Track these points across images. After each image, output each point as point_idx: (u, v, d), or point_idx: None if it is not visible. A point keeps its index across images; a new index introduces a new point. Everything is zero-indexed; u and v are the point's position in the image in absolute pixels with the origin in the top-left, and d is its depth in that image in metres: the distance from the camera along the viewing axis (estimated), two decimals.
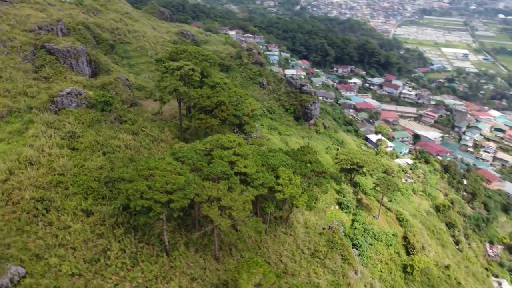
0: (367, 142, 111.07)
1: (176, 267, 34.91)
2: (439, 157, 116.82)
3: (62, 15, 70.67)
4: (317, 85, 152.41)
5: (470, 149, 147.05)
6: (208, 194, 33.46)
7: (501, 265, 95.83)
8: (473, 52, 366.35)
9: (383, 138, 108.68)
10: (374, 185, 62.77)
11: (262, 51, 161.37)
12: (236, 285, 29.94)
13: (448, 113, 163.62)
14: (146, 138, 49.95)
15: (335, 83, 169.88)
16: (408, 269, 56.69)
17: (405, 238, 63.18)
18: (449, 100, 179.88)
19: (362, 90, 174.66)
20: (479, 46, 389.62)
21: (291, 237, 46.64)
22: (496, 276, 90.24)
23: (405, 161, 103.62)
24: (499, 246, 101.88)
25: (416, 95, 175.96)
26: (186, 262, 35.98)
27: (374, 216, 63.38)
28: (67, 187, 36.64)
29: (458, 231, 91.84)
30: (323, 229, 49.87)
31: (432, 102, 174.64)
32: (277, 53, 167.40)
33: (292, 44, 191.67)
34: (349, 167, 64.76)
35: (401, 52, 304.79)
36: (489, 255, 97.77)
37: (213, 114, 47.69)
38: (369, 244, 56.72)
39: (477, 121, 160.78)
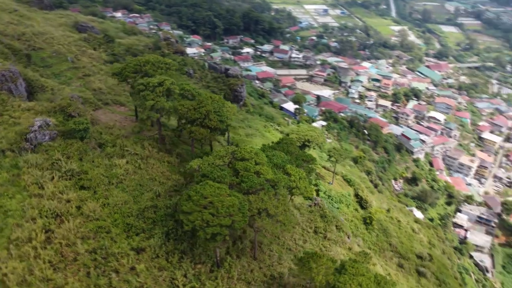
0: (285, 113, 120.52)
1: (233, 277, 38.42)
2: (342, 114, 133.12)
3: None
4: (217, 60, 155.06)
5: (357, 101, 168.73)
6: (257, 207, 37.10)
7: (406, 195, 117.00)
8: (330, 6, 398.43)
9: (300, 106, 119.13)
10: (328, 156, 71.71)
11: (154, 31, 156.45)
12: (312, 279, 34.94)
13: (333, 70, 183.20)
14: (136, 158, 49.50)
15: (232, 56, 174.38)
16: (368, 221, 67.94)
17: (356, 195, 74.37)
18: (331, 58, 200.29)
19: (256, 58, 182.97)
20: (334, 0, 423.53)
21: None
22: (406, 205, 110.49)
23: (320, 123, 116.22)
24: (401, 180, 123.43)
25: (303, 57, 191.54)
26: (236, 270, 39.57)
27: (329, 183, 72.81)
28: (109, 230, 36.36)
29: (374, 176, 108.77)
30: (310, 206, 56.92)
31: (318, 62, 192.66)
32: (171, 32, 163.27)
33: (179, 19, 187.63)
34: (301, 144, 72.25)
35: (272, 14, 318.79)
36: (396, 190, 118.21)
37: (202, 124, 49.43)
38: (337, 208, 66.05)
39: (357, 74, 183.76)
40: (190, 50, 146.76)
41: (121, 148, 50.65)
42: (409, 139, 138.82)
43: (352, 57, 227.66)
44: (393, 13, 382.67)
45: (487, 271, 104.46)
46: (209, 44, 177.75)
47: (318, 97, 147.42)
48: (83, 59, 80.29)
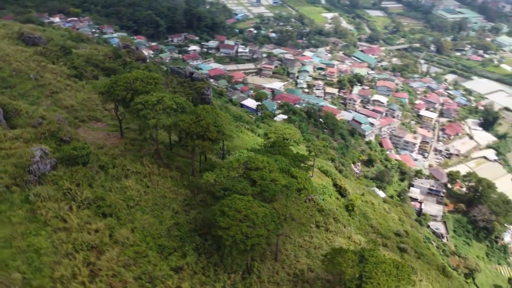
0: (247, 110, 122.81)
1: (264, 281, 40.96)
2: (297, 106, 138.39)
3: None
4: (167, 61, 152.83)
5: (306, 90, 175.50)
6: (283, 214, 39.72)
7: (366, 177, 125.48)
8: None
9: (262, 102, 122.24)
10: (308, 151, 75.57)
11: (97, 35, 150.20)
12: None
13: (280, 62, 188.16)
14: (139, 177, 49.54)
15: (180, 55, 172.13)
16: (350, 208, 73.28)
17: (335, 185, 79.45)
18: (276, 50, 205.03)
19: (203, 55, 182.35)
20: None
21: None
22: (366, 186, 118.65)
23: (281, 117, 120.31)
24: (359, 164, 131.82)
25: (250, 51, 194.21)
26: (265, 274, 42.12)
27: (310, 176, 77.03)
28: (146, 254, 36.96)
29: (337, 162, 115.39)
30: (305, 202, 60.58)
31: (264, 55, 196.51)
32: (116, 35, 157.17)
33: (119, 20, 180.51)
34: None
35: (207, 7, 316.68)
36: (356, 173, 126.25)
37: (204, 137, 50.60)
38: (322, 199, 70.51)
39: (303, 65, 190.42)
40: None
41: (122, 168, 50.36)
42: (360, 123, 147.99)
43: (293, 47, 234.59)
44: (322, 0, 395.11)
45: (443, 237, 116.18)
46: (154, 44, 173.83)
47: (273, 91, 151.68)
48: (46, 75, 76.35)
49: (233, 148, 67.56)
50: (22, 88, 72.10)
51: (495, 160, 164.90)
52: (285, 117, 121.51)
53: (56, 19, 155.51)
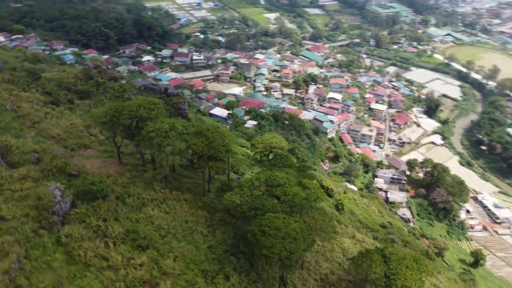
0: (217, 119, 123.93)
1: None
2: (262, 110, 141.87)
3: None
4: (124, 74, 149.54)
5: (265, 93, 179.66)
6: (314, 226, 42.77)
7: (335, 173, 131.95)
8: None
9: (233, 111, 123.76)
10: (296, 158, 79.26)
11: (47, 52, 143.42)
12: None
13: (236, 67, 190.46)
14: (156, 203, 50.08)
15: (136, 67, 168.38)
16: (340, 207, 78.07)
17: (321, 186, 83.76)
18: (230, 55, 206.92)
19: (158, 65, 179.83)
20: None
21: None
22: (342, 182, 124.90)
23: (251, 123, 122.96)
24: (327, 161, 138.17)
25: (204, 57, 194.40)
26: (298, 283, 45.07)
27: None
28: (195, 282, 38.26)
29: (309, 162, 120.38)
30: None
31: (219, 61, 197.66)
32: (68, 51, 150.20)
33: (66, 34, 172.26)
34: (268, 152, 78.58)
35: (149, 13, 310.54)
36: (326, 170, 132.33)
37: (216, 158, 52.18)
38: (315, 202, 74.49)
39: (258, 68, 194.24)
40: None
41: (138, 197, 50.66)
42: (321, 122, 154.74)
43: (242, 50, 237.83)
44: (262, 1, 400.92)
45: (409, 221, 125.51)
46: (107, 56, 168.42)
47: (236, 97, 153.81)
48: (22, 104, 73.13)
49: (235, 164, 69.23)
50: (1, 121, 68.77)
51: (441, 145, 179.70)
52: (255, 123, 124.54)
53: (1, 38, 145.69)
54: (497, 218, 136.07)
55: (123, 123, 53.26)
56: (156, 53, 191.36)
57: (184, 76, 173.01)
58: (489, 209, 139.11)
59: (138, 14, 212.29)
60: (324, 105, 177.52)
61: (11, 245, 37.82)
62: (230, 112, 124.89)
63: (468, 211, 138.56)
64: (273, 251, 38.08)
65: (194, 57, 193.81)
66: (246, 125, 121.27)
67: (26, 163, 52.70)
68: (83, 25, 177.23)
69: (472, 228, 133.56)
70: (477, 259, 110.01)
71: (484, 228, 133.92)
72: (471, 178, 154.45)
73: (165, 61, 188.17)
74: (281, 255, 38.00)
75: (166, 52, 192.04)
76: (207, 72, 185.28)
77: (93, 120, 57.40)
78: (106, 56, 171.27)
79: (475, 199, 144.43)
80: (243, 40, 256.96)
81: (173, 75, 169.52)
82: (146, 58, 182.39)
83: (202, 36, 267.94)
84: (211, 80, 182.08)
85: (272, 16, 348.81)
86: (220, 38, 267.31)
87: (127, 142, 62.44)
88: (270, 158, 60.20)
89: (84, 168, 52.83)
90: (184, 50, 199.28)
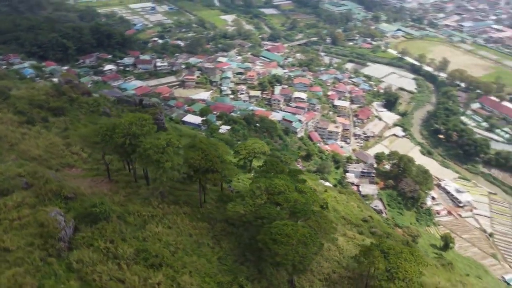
0: (191, 127, 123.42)
1: None
2: (233, 114, 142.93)
3: None
4: (89, 86, 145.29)
5: (231, 96, 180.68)
6: (319, 229, 44.88)
7: (309, 171, 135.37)
8: (156, 3, 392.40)
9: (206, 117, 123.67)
10: (281, 161, 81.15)
11: (4, 67, 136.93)
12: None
13: (200, 71, 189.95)
14: (158, 220, 50.27)
15: (100, 77, 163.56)
16: (325, 206, 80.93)
17: None
18: (193, 60, 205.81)
19: (121, 74, 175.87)
20: None
21: None
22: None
23: (225, 128, 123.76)
24: (300, 160, 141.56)
25: (168, 63, 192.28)
26: (306, 284, 47.10)
27: None
28: None
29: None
30: None
31: (183, 66, 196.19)
32: (27, 64, 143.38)
33: (20, 46, 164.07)
34: (252, 157, 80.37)
35: (103, 20, 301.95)
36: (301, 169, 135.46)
37: (213, 170, 53.07)
38: None
39: (223, 71, 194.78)
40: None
41: (138, 215, 50.72)
42: (290, 122, 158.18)
43: (204, 54, 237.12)
44: (217, 3, 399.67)
45: (382, 212, 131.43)
46: (67, 68, 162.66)
47: (206, 102, 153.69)
48: None
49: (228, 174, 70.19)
50: None
51: (403, 136, 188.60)
52: (228, 127, 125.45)
53: None
54: (460, 202, 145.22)
55: (116, 142, 53.02)
56: (118, 61, 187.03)
57: (149, 84, 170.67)
58: (452, 195, 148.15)
59: (96, 23, 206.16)
60: (291, 105, 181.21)
61: (22, 277, 37.42)
62: (204, 118, 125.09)
63: (433, 198, 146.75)
64: (287, 257, 39.79)
65: (158, 64, 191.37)
66: (220, 130, 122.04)
67: (16, 189, 51.26)
68: (38, 36, 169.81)
69: (438, 213, 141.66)
70: (446, 243, 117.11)
71: (449, 213, 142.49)
72: (432, 166, 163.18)
73: (128, 69, 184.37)
74: (295, 260, 39.79)
75: (128, 60, 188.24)
76: (172, 78, 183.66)
77: (82, 140, 56.46)
78: (66, 67, 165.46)
79: (439, 186, 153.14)
80: (204, 43, 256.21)
81: (138, 83, 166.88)
82: (108, 67, 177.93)
83: (160, 41, 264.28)
84: (177, 86, 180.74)
85: (228, 18, 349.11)
86: (179, 42, 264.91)
87: (112, 158, 61.89)
88: (261, 165, 61.70)
89: (79, 190, 52.16)
90: (147, 57, 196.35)
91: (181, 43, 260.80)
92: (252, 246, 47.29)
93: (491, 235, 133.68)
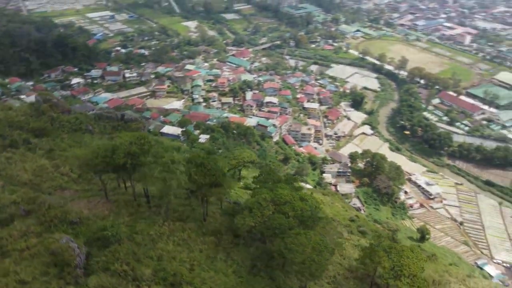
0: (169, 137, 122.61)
1: None
2: (209, 122, 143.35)
3: None
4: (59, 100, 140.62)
5: (204, 104, 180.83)
6: (329, 236, 47.06)
7: (287, 175, 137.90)
8: (115, 11, 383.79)
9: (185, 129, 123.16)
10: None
11: None
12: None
13: (170, 80, 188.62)
14: (166, 237, 50.63)
15: (68, 91, 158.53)
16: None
17: None
18: (161, 69, 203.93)
19: (90, 87, 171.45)
20: (114, 4, 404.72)
21: None
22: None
23: (204, 137, 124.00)
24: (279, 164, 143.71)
25: (137, 74, 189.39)
26: None
27: None
28: None
29: None
30: None
31: (153, 76, 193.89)
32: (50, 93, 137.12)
33: None
34: (242, 166, 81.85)
35: (62, 30, 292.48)
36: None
37: (216, 184, 54.04)
38: None
39: (193, 80, 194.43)
40: (28, 99, 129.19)
41: (146, 234, 50.91)
42: (265, 127, 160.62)
43: (170, 62, 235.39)
44: (177, 9, 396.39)
45: (360, 209, 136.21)
46: (32, 83, 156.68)
47: (180, 112, 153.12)
48: None
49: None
50: None
51: (372, 134, 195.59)
52: (207, 136, 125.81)
53: None
54: (430, 194, 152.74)
55: (118, 163, 52.93)
56: (85, 74, 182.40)
57: (119, 96, 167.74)
58: (423, 188, 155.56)
59: (59, 35, 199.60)
60: (263, 109, 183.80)
61: None
62: (184, 129, 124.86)
63: (406, 192, 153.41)
64: (304, 265, 41.67)
65: (127, 75, 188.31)
66: (200, 140, 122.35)
67: (16, 217, 50.39)
68: None
69: (411, 207, 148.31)
70: (423, 235, 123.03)
71: (421, 205, 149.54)
72: (402, 162, 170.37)
73: (96, 81, 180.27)
74: (311, 268, 41.73)
75: (95, 72, 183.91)
76: (142, 89, 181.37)
77: (81, 163, 55.75)
78: (31, 83, 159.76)
79: (410, 180, 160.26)
80: (169, 51, 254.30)
81: (109, 95, 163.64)
82: (75, 80, 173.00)
83: (123, 50, 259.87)
84: (148, 97, 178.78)
85: (190, 24, 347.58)
86: (143, 51, 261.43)
87: (106, 177, 61.31)
88: (258, 175, 63.18)
89: (83, 214, 51.74)
90: (114, 68, 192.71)
91: (145, 52, 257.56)
92: (262, 256, 48.93)
93: (461, 223, 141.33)
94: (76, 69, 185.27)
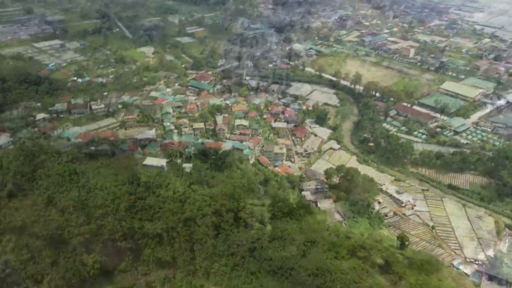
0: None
1: None
2: (188, 150, 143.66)
3: None
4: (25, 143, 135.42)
5: (176, 131, 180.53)
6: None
7: None
8: (64, 40, 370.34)
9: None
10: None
11: None
12: None
13: (139, 109, 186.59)
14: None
15: (35, 129, 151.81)
16: None
17: None
18: (127, 98, 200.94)
19: (57, 122, 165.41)
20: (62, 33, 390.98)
21: None
22: None
23: (187, 166, 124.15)
24: (259, 186, 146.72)
25: (105, 105, 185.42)
26: None
27: None
28: None
29: None
30: None
31: (120, 106, 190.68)
32: None
33: None
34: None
35: (11, 63, 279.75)
36: None
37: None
38: None
39: (161, 107, 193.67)
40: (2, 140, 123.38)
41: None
42: (242, 150, 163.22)
43: (134, 90, 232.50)
44: (129, 35, 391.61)
45: (342, 223, 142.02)
46: None
47: (156, 141, 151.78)
48: None
49: None
50: None
51: (339, 148, 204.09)
52: (190, 165, 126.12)
53: None
54: (401, 202, 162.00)
55: None
56: (49, 108, 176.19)
57: (88, 128, 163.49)
58: (394, 196, 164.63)
59: (22, 69, 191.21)
60: (235, 133, 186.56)
61: None
62: (170, 160, 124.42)
63: (379, 202, 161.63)
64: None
65: (94, 107, 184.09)
66: (185, 170, 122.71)
67: None
68: None
69: (386, 216, 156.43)
70: (403, 242, 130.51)
71: (395, 214, 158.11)
72: (371, 173, 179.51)
73: (61, 115, 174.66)
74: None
75: (60, 106, 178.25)
76: (111, 120, 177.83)
77: None
78: None
79: (381, 190, 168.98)
80: (130, 78, 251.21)
81: (78, 129, 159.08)
82: (40, 116, 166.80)
83: (79, 80, 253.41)
84: (118, 128, 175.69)
85: (146, 50, 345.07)
86: (101, 79, 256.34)
87: None
88: (269, 208, 65.80)
89: None
90: (80, 100, 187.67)
91: (103, 80, 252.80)
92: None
93: (433, 227, 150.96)
94: (39, 104, 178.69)
